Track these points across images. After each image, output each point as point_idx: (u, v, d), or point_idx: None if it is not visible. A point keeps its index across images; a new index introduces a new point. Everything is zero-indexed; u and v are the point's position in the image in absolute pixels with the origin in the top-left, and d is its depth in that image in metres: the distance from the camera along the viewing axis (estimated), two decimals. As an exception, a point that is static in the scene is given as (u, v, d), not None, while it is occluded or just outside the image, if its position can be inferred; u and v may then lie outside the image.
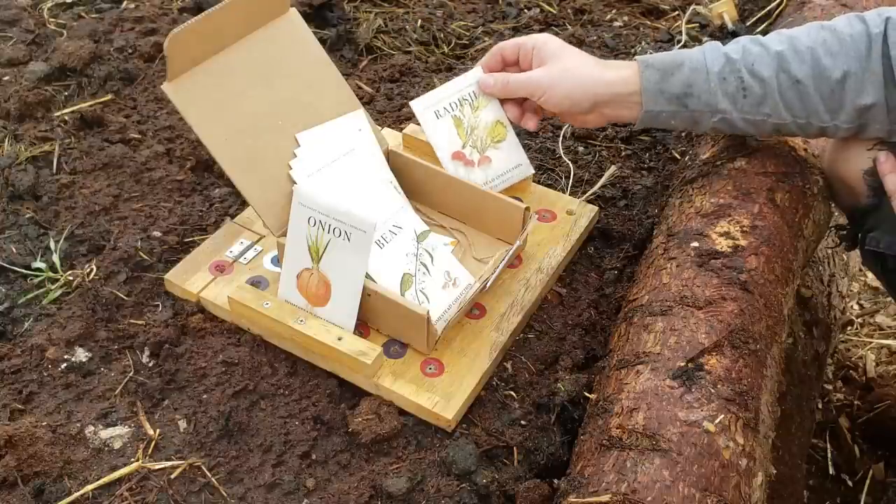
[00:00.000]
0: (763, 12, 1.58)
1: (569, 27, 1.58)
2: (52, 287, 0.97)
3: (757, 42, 0.91)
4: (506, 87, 1.00)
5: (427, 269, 0.92)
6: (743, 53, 0.89)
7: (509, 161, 1.07)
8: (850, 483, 1.42)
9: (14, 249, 1.02)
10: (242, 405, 0.85)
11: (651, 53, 0.95)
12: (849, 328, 1.68)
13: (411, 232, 0.95)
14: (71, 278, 0.98)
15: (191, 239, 1.05)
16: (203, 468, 0.80)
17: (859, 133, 0.92)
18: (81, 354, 0.90)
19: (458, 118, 1.04)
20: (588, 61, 0.95)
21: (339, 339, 0.85)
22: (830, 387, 1.55)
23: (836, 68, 0.87)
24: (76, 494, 0.77)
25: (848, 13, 0.91)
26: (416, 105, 1.04)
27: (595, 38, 1.54)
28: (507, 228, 0.99)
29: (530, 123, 1.03)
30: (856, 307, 1.73)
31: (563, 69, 0.94)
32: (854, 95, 0.87)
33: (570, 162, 1.21)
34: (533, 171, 1.09)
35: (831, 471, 1.42)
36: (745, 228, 0.93)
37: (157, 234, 1.05)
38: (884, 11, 0.87)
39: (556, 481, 0.80)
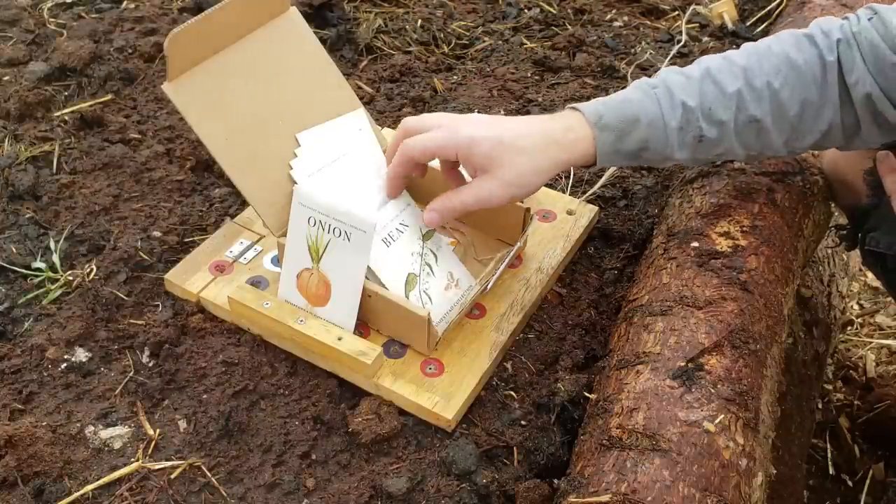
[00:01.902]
0: (763, 12, 1.58)
1: (569, 27, 1.58)
2: (52, 287, 0.97)
3: (711, 79, 0.85)
4: (454, 215, 0.87)
5: (431, 270, 0.92)
6: (700, 98, 0.84)
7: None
8: (850, 483, 1.42)
9: (14, 249, 1.02)
10: (242, 405, 0.85)
11: (601, 99, 0.86)
12: (849, 328, 1.68)
13: (417, 231, 0.94)
14: (71, 278, 0.98)
15: (191, 239, 1.05)
16: (203, 468, 0.80)
17: (814, 149, 0.92)
18: (81, 354, 0.90)
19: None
20: (536, 148, 0.82)
21: (339, 339, 0.85)
22: (830, 387, 1.55)
23: (794, 102, 0.84)
24: (76, 494, 0.77)
25: (792, 30, 0.88)
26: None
27: (595, 38, 1.54)
28: (507, 229, 0.99)
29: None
30: (856, 307, 1.73)
31: (515, 175, 0.82)
32: (811, 124, 0.85)
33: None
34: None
35: (831, 471, 1.42)
36: (745, 228, 0.93)
37: (157, 234, 1.05)
38: (830, 29, 0.84)
39: (556, 481, 0.80)
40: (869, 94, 0.82)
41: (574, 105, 0.86)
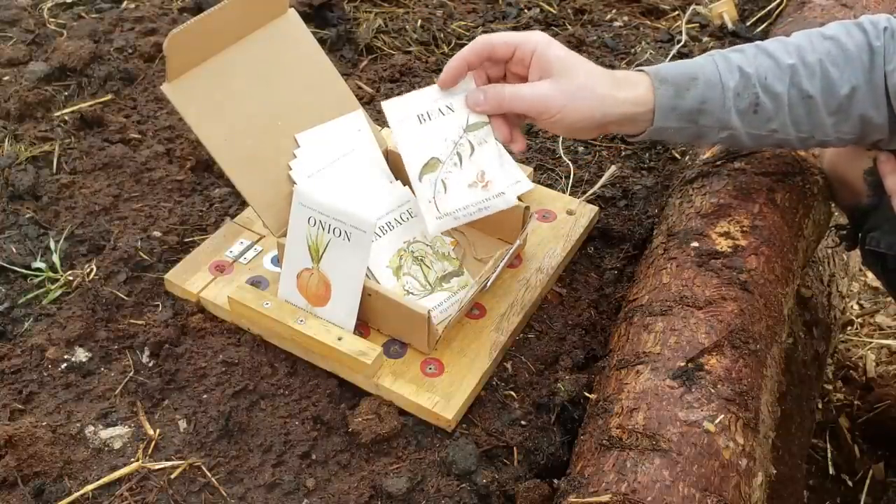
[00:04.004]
0: (763, 12, 1.58)
1: (569, 27, 1.58)
2: (52, 287, 0.97)
3: (765, 52, 0.87)
4: (501, 104, 0.85)
5: (459, 161, 0.86)
6: (756, 68, 0.86)
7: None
8: (850, 483, 1.42)
9: (14, 249, 1.02)
10: (242, 405, 0.85)
11: (661, 63, 0.89)
12: (849, 328, 1.68)
13: (463, 117, 0.87)
14: (71, 278, 0.98)
15: (191, 239, 1.05)
16: (203, 468, 0.80)
17: (858, 142, 0.91)
18: (81, 354, 0.90)
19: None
20: (600, 77, 0.84)
21: (339, 339, 0.85)
22: (830, 387, 1.55)
23: (844, 82, 0.85)
24: (76, 494, 0.77)
25: (841, 20, 0.89)
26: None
27: (595, 38, 1.54)
28: (507, 228, 0.99)
29: (519, 144, 0.90)
30: (856, 307, 1.73)
31: (578, 87, 0.82)
32: (860, 108, 0.86)
33: (570, 162, 1.21)
34: (532, 186, 1.09)
35: (831, 471, 1.42)
36: (745, 228, 0.93)
37: (157, 234, 1.05)
38: (878, 20, 0.86)
39: (556, 481, 0.80)
40: None
41: (636, 68, 0.88)
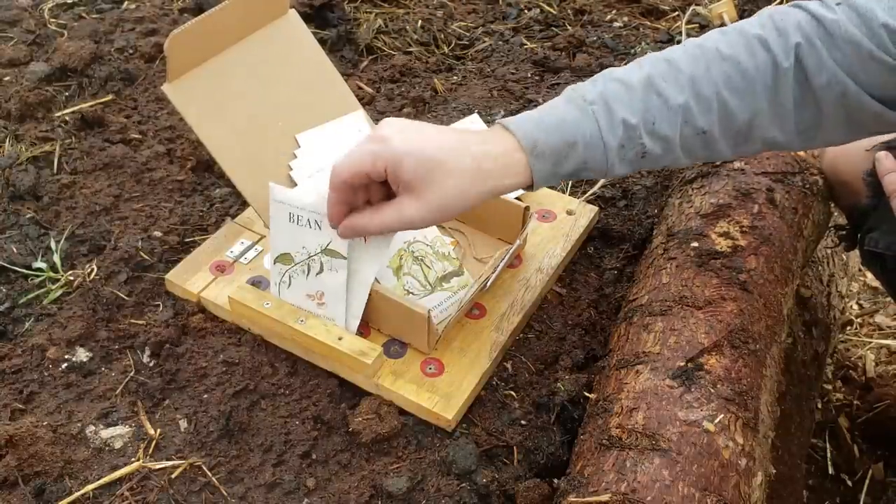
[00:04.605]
0: (763, 12, 1.58)
1: (569, 27, 1.58)
2: (53, 287, 0.97)
3: (655, 91, 0.78)
4: (372, 234, 0.80)
5: (307, 273, 0.87)
6: (642, 114, 0.77)
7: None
8: (849, 483, 1.42)
9: (15, 249, 1.02)
10: (243, 405, 0.85)
11: (534, 118, 0.77)
12: (848, 328, 1.68)
13: (325, 240, 0.86)
14: (72, 278, 0.98)
15: (191, 239, 1.05)
16: (204, 468, 0.80)
17: (764, 152, 0.86)
18: (82, 354, 0.90)
19: None
20: (465, 172, 0.75)
21: (340, 339, 0.85)
22: (830, 386, 1.55)
23: (744, 110, 0.78)
24: (77, 494, 0.77)
25: (741, 29, 0.81)
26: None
27: (595, 38, 1.54)
28: (506, 228, 0.99)
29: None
30: (855, 307, 1.73)
31: (441, 198, 0.74)
32: (761, 132, 0.80)
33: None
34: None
35: (831, 470, 1.42)
36: (744, 228, 0.93)
37: (157, 234, 1.05)
38: (786, 29, 0.78)
39: (556, 481, 0.81)
40: (843, 91, 0.77)
41: (505, 123, 0.78)
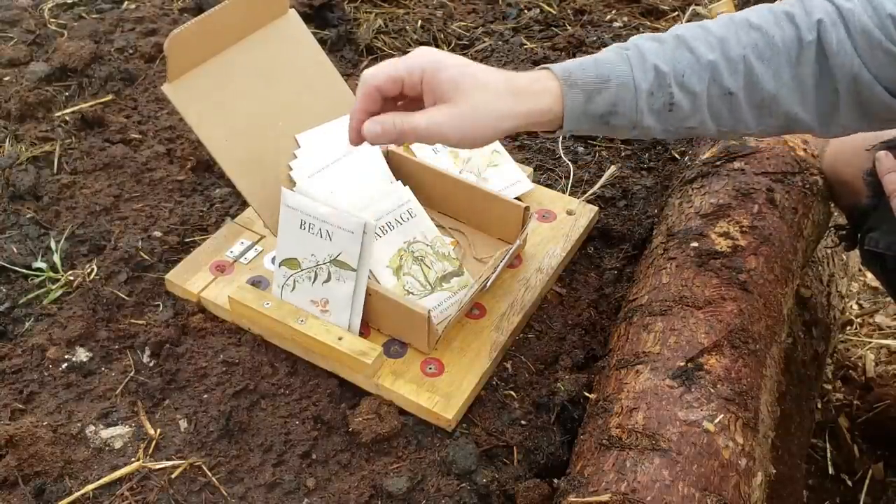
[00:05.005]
0: (763, 12, 1.58)
1: (569, 27, 1.58)
2: (53, 287, 0.97)
3: (685, 45, 0.81)
4: (400, 137, 0.78)
5: (312, 280, 0.88)
6: (673, 64, 0.80)
7: (508, 179, 1.07)
8: (849, 483, 1.42)
9: (15, 249, 1.02)
10: (243, 405, 0.85)
11: (571, 61, 0.81)
12: (848, 328, 1.68)
13: (334, 251, 0.86)
14: (72, 278, 0.98)
15: (191, 239, 1.05)
16: (204, 468, 0.80)
17: (782, 135, 0.88)
18: (82, 354, 0.90)
19: (455, 150, 1.05)
20: (498, 93, 0.77)
21: (340, 339, 0.85)
22: (830, 386, 1.55)
23: (769, 78, 0.80)
24: (77, 494, 0.77)
25: (770, 4, 0.83)
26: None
27: (595, 38, 1.54)
28: (507, 228, 0.99)
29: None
30: (855, 307, 1.73)
31: (474, 109, 0.76)
32: (785, 105, 0.82)
33: (569, 162, 1.21)
34: (532, 187, 1.09)
35: (831, 470, 1.42)
36: (744, 228, 0.93)
37: (157, 234, 1.05)
38: (812, 8, 0.80)
39: (555, 481, 0.81)
40: (856, 75, 0.79)
41: (544, 65, 0.81)
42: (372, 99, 0.78)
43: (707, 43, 0.81)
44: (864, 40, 0.78)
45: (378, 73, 0.77)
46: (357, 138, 0.80)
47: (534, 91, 0.78)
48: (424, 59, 0.77)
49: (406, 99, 0.80)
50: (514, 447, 0.84)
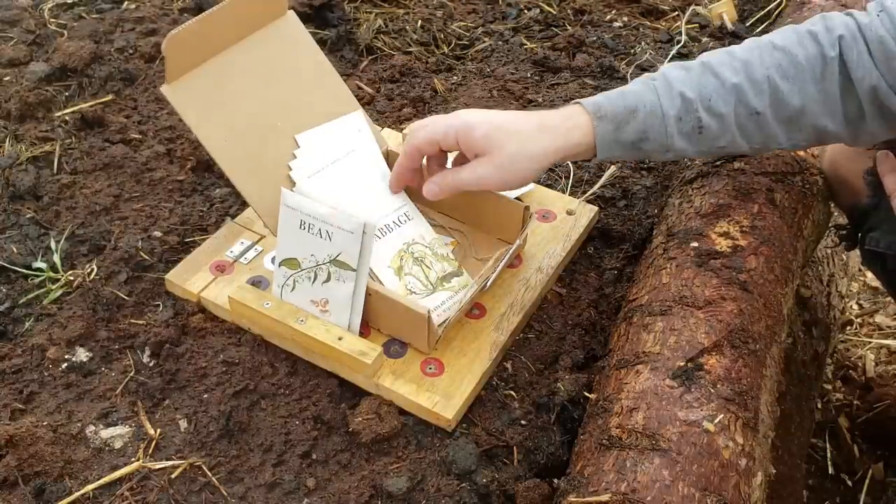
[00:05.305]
0: (763, 12, 1.58)
1: (568, 27, 1.58)
2: (53, 287, 0.97)
3: (710, 71, 0.86)
4: (453, 191, 0.89)
5: (312, 280, 0.88)
6: (699, 90, 0.85)
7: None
8: (849, 483, 1.42)
9: (15, 249, 1.02)
10: (243, 405, 0.85)
11: (602, 95, 0.87)
12: (848, 328, 1.68)
13: (334, 251, 0.87)
14: (72, 278, 0.98)
15: (191, 239, 1.05)
16: (204, 468, 0.80)
17: (814, 146, 0.92)
18: (82, 354, 0.90)
19: None
20: (531, 132, 0.85)
21: (340, 338, 0.85)
22: (830, 386, 1.55)
23: (794, 95, 0.85)
24: (77, 494, 0.77)
25: (794, 25, 0.88)
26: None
27: (595, 38, 1.54)
28: (506, 228, 0.99)
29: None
30: (855, 307, 1.73)
31: (511, 158, 0.84)
32: (812, 119, 0.86)
33: (569, 162, 1.21)
34: (532, 187, 1.09)
35: (831, 470, 1.42)
36: (744, 228, 0.93)
37: (157, 234, 1.05)
38: (833, 25, 0.85)
39: (556, 481, 0.80)
40: (875, 87, 0.83)
41: (576, 100, 0.88)
42: (412, 158, 0.91)
43: (731, 67, 0.85)
44: (881, 52, 0.82)
45: (418, 135, 0.88)
46: (397, 188, 0.97)
47: (566, 128, 0.85)
48: (457, 121, 0.86)
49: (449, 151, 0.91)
50: (514, 447, 0.84)
